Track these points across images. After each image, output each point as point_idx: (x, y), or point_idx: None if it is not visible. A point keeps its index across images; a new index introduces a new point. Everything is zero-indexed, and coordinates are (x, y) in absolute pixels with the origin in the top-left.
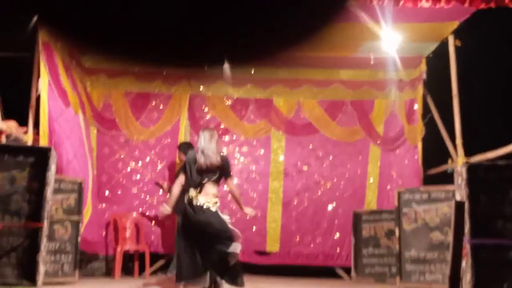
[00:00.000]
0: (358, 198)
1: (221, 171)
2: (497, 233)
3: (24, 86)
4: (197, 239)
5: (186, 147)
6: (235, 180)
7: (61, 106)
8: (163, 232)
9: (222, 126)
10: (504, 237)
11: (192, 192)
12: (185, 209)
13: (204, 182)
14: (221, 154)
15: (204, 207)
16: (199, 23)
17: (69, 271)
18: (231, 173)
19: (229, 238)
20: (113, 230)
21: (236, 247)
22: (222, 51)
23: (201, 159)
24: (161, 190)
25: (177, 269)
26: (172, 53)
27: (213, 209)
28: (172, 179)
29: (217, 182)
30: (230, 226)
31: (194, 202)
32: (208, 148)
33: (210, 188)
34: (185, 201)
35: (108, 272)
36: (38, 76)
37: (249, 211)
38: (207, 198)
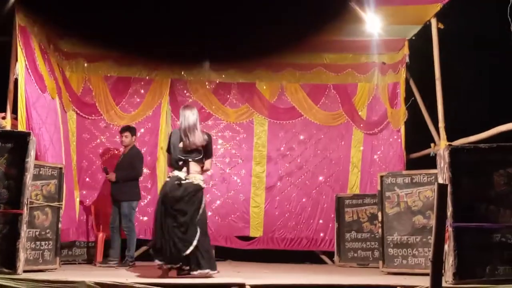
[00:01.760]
0: (341, 182)
1: (205, 150)
2: (480, 216)
3: (2, 71)
4: (170, 219)
5: (126, 129)
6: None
7: (38, 91)
8: (146, 218)
9: (204, 111)
10: (486, 220)
11: (177, 172)
12: (165, 186)
13: (189, 161)
14: (204, 132)
15: (186, 181)
16: (180, 13)
17: (50, 258)
18: (211, 153)
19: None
20: (94, 216)
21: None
22: (203, 45)
23: (186, 139)
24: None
25: (153, 246)
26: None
27: (195, 181)
28: (154, 165)
29: (201, 161)
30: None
31: (177, 180)
32: (191, 127)
33: (193, 167)
34: (168, 179)
35: (90, 259)
36: (16, 61)
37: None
38: (191, 175)
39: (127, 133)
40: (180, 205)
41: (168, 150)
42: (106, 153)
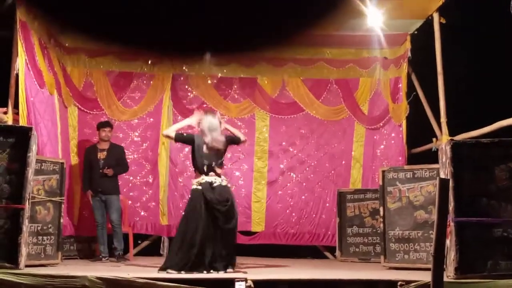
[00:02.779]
0: (343, 177)
1: (231, 142)
2: (482, 211)
3: (4, 65)
4: (202, 227)
5: (108, 124)
6: (242, 136)
7: (36, 86)
8: (147, 213)
9: (205, 106)
10: (488, 214)
11: (201, 177)
12: (192, 194)
13: (213, 166)
14: (223, 136)
15: (214, 184)
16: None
17: (51, 253)
18: (238, 138)
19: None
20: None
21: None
22: (204, 38)
23: (209, 144)
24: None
25: (168, 255)
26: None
27: (223, 183)
28: (155, 160)
29: (222, 164)
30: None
31: (212, 185)
32: (215, 132)
33: (218, 170)
34: (193, 186)
35: (92, 254)
36: (17, 56)
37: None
38: (219, 178)
39: (109, 128)
40: (225, 209)
41: (193, 155)
42: None
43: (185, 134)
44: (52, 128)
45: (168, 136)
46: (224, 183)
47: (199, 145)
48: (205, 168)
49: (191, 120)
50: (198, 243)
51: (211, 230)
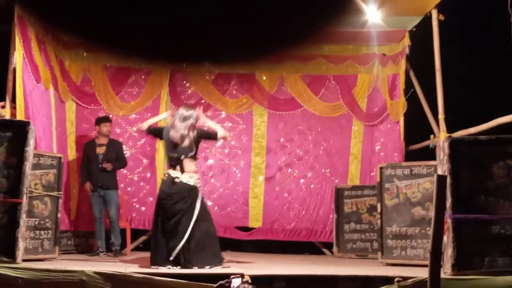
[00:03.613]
0: (341, 174)
1: (205, 137)
2: (479, 207)
3: (2, 60)
4: (167, 221)
5: (107, 119)
6: (221, 132)
7: (33, 81)
8: (145, 208)
9: (203, 101)
10: (486, 211)
11: (171, 171)
12: (161, 189)
13: (181, 159)
14: (194, 129)
15: (176, 180)
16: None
17: (49, 247)
18: (215, 134)
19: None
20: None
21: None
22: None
23: (173, 136)
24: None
25: (151, 252)
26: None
27: (191, 182)
28: (153, 155)
29: (194, 158)
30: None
31: (172, 179)
32: (180, 125)
33: (189, 165)
34: (164, 178)
35: (89, 249)
36: (15, 50)
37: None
38: (186, 175)
39: (109, 123)
40: (173, 205)
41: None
42: None
43: (155, 127)
44: (47, 123)
45: (139, 130)
46: (191, 182)
47: (166, 137)
48: (172, 161)
49: (164, 116)
50: (161, 236)
51: (165, 224)
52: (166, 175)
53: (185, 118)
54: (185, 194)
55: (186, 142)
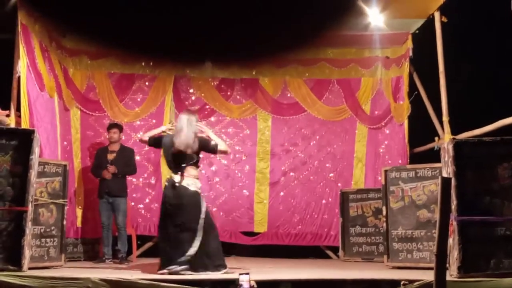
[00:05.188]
0: (345, 177)
1: (206, 150)
2: (484, 209)
3: (6, 68)
4: (172, 225)
5: (115, 125)
6: (222, 146)
7: (37, 89)
8: (150, 214)
9: (208, 107)
10: (491, 213)
11: (173, 176)
12: (164, 193)
13: (184, 165)
14: (196, 138)
15: (177, 184)
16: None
17: (55, 255)
18: (215, 146)
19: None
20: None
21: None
22: (205, 48)
23: (177, 144)
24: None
25: (160, 256)
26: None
27: (191, 187)
28: (158, 161)
29: (196, 164)
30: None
31: (173, 183)
32: (183, 133)
33: (190, 170)
34: (165, 184)
35: (95, 256)
36: (19, 58)
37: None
38: (187, 179)
39: (116, 130)
40: (178, 211)
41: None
42: None
43: (155, 137)
44: (51, 130)
45: (142, 141)
46: (192, 187)
47: (165, 145)
48: (173, 168)
49: (163, 128)
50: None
51: (170, 227)
52: (168, 179)
53: (191, 123)
54: (187, 199)
55: (189, 151)
